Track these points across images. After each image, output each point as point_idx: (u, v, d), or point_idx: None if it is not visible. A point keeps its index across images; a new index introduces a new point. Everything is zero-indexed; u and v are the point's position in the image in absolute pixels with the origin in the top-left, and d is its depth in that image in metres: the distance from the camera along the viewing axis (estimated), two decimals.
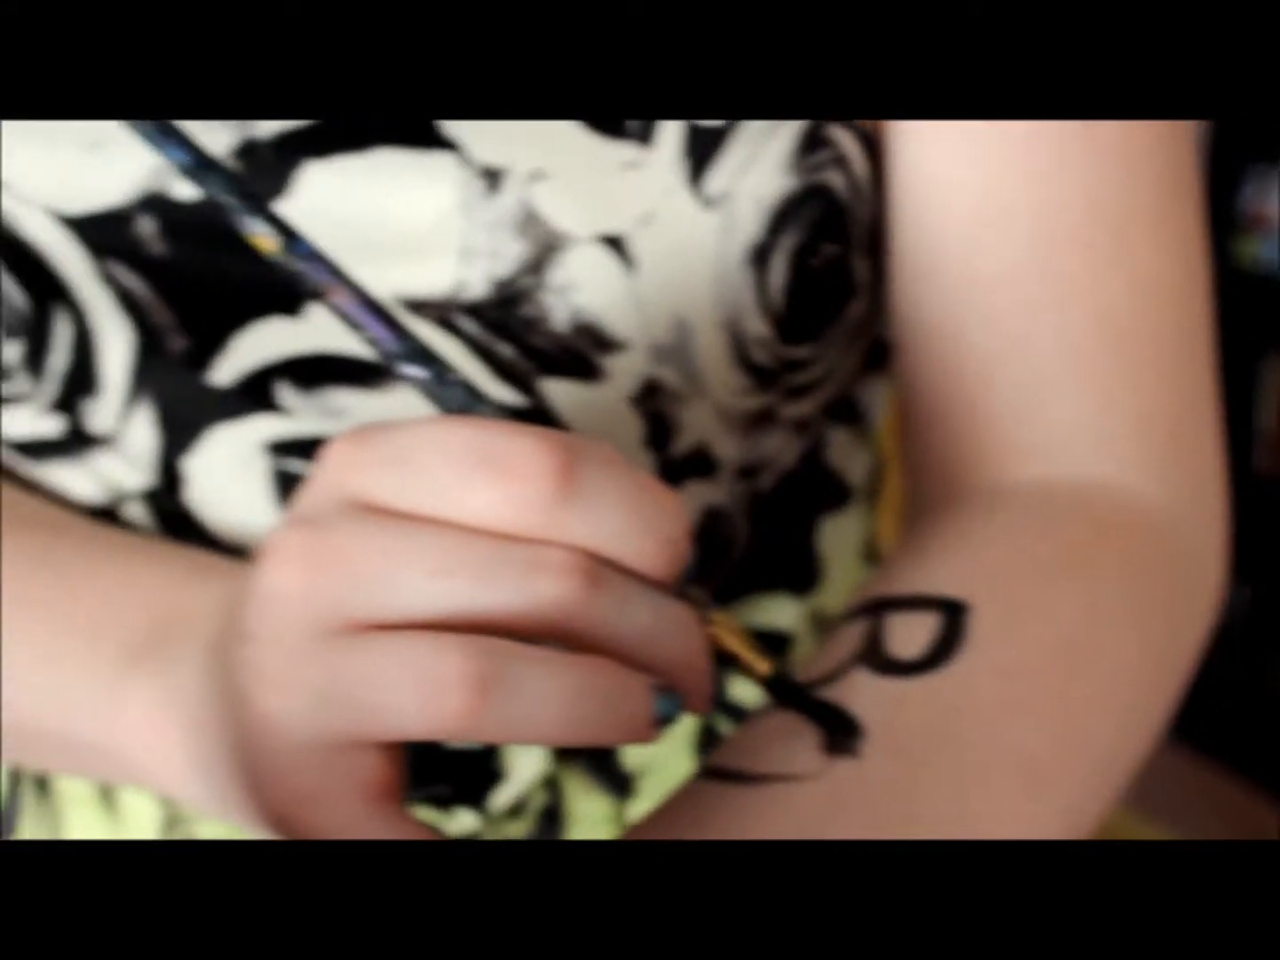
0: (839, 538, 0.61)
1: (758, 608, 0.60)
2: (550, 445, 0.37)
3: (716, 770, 0.44)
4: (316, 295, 0.39)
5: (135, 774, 0.47)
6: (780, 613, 0.60)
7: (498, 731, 0.36)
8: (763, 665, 0.42)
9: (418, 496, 0.37)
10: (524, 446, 0.37)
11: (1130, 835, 1.42)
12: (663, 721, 0.38)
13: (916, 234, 0.51)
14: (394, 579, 0.37)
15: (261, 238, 0.39)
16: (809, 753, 0.43)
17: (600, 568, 0.37)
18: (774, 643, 0.60)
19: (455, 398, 0.39)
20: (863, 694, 0.44)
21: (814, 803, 0.42)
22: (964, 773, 0.43)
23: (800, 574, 0.61)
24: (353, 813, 0.39)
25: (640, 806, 0.57)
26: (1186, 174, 0.51)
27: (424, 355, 0.39)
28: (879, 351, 0.60)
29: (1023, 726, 0.45)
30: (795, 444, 0.57)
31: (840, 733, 0.43)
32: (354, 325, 0.39)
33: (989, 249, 0.50)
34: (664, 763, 0.58)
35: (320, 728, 0.38)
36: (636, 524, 0.37)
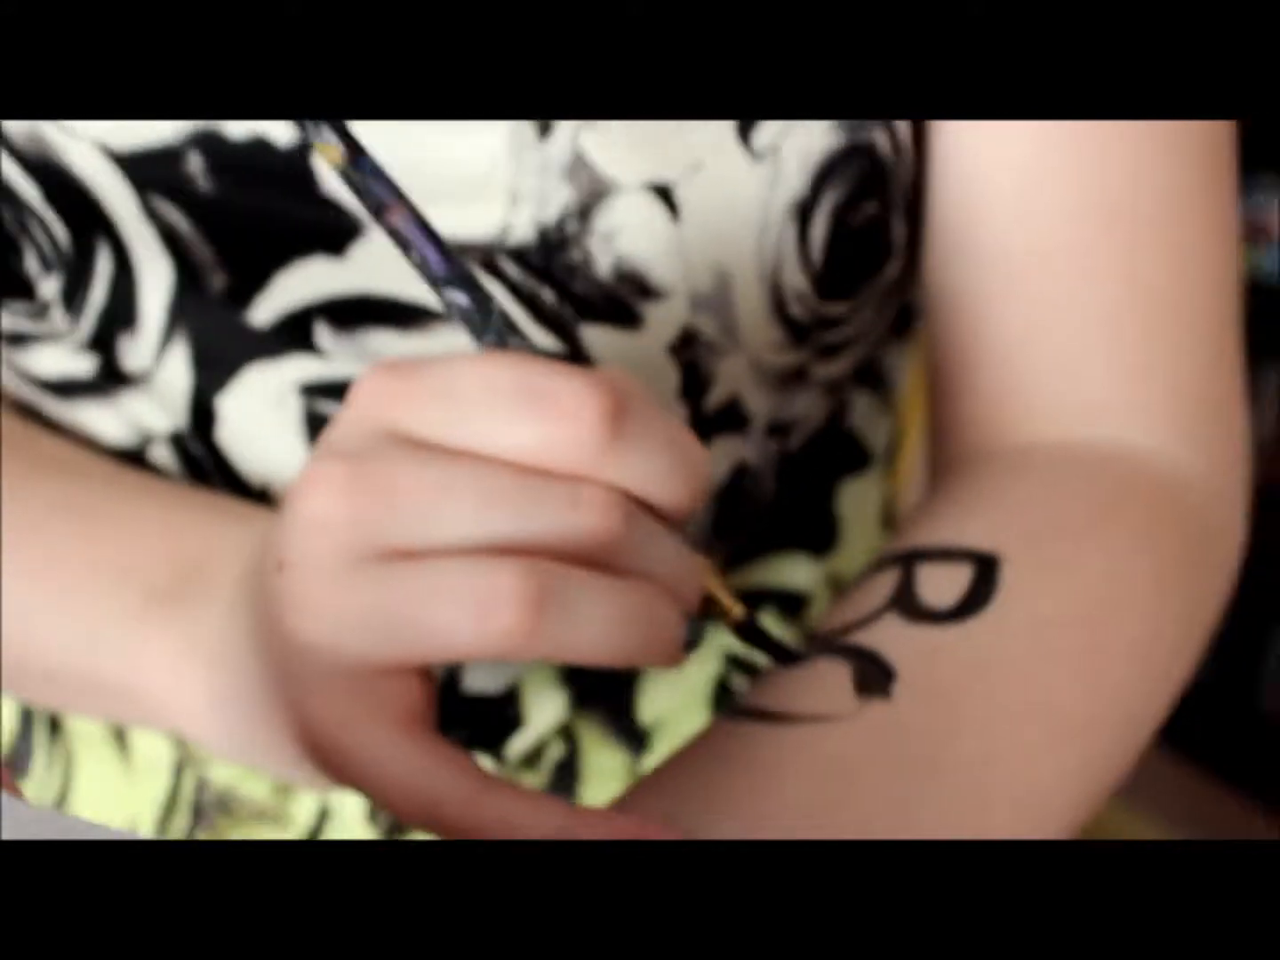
0: (858, 501, 0.62)
1: (775, 567, 0.60)
2: (601, 387, 0.37)
3: (746, 710, 0.44)
4: (377, 212, 0.39)
5: (156, 715, 0.47)
6: (797, 573, 0.60)
7: (549, 649, 0.37)
8: (738, 609, 0.43)
9: (461, 430, 0.37)
10: (574, 386, 0.37)
11: (1123, 832, 1.43)
12: (688, 646, 0.40)
13: (955, 201, 0.52)
14: (439, 509, 0.37)
15: (329, 147, 0.39)
16: (841, 694, 0.44)
17: (634, 508, 0.38)
18: (790, 603, 0.61)
19: (494, 328, 0.39)
20: (895, 640, 0.45)
21: (844, 743, 0.43)
22: (993, 720, 0.44)
23: (819, 535, 0.61)
24: (388, 736, 0.40)
25: (654, 760, 0.57)
26: (1226, 151, 0.52)
27: (469, 282, 0.39)
28: (905, 317, 0.61)
29: (1052, 677, 0.45)
30: (822, 405, 0.57)
31: (875, 669, 0.44)
32: (404, 247, 0.39)
33: (1028, 220, 0.50)
34: (679, 717, 0.58)
35: (363, 651, 0.38)
36: (673, 471, 0.38)
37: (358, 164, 0.39)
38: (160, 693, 0.46)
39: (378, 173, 0.39)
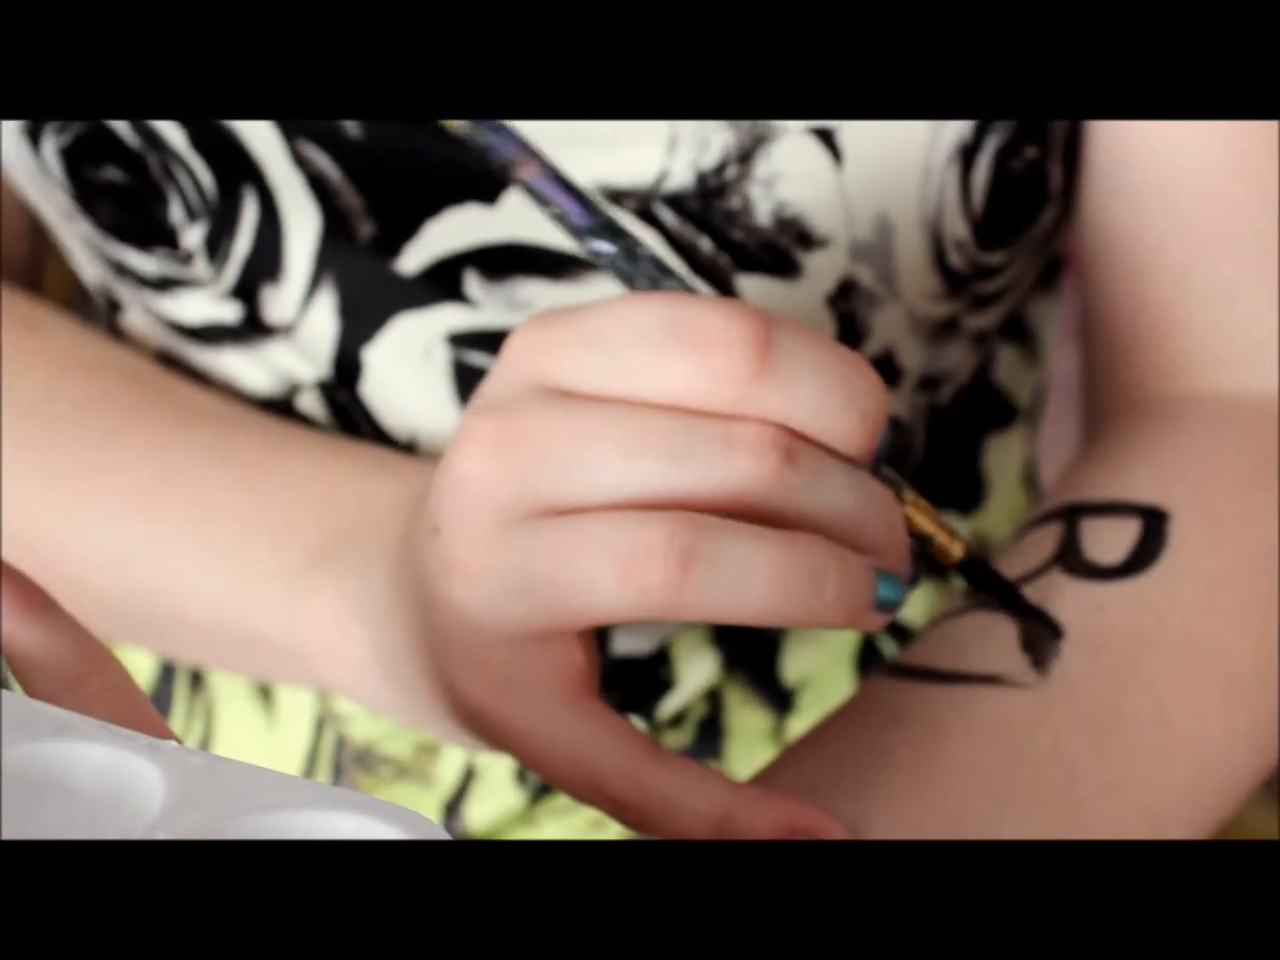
0: (1002, 458, 0.60)
1: None
2: (747, 316, 0.36)
3: (909, 668, 0.43)
4: (505, 171, 0.38)
5: (313, 671, 0.46)
6: None
7: (702, 605, 0.35)
8: (958, 548, 0.41)
9: (608, 376, 0.36)
10: (718, 318, 0.36)
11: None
12: (886, 606, 0.37)
13: (1113, 135, 0.50)
14: (586, 461, 0.36)
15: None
16: (1008, 652, 0.43)
17: (797, 443, 0.36)
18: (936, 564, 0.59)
19: (644, 273, 0.38)
20: (1062, 596, 0.44)
21: (1014, 702, 0.42)
22: (1165, 678, 0.43)
23: (965, 493, 0.60)
24: (549, 702, 0.39)
25: (799, 721, 0.56)
26: None
27: (612, 229, 0.38)
28: (1052, 269, 0.60)
29: (1224, 633, 0.44)
30: (972, 358, 0.56)
31: (1042, 627, 0.43)
32: (542, 201, 0.38)
33: (1186, 149, 0.49)
34: (824, 677, 0.57)
35: (517, 615, 0.37)
36: (835, 398, 0.36)
37: (481, 122, 0.38)
38: (323, 649, 0.45)
39: (503, 131, 0.38)
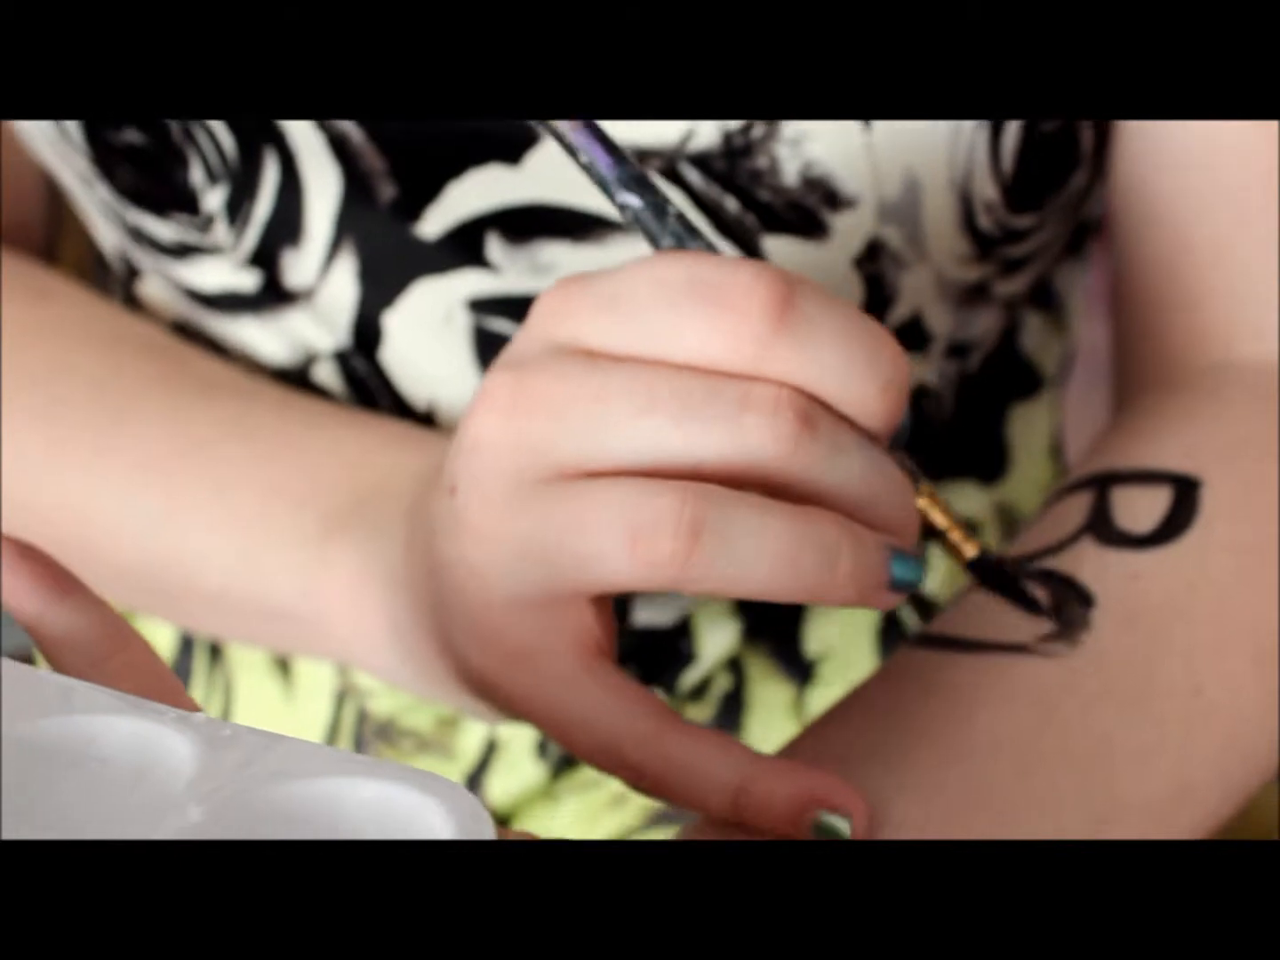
0: (1028, 427, 0.60)
1: (944, 493, 0.59)
2: (769, 276, 0.35)
3: (938, 637, 0.43)
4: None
5: (329, 642, 0.46)
6: (966, 500, 0.58)
7: (709, 579, 0.35)
8: (970, 547, 0.40)
9: (629, 335, 0.36)
10: (741, 277, 0.35)
11: None
12: (900, 586, 0.37)
13: None
14: (599, 419, 0.35)
15: None
16: (1039, 621, 0.42)
17: (814, 408, 0.35)
18: None
19: (670, 230, 0.37)
20: (1093, 565, 0.43)
21: (1044, 671, 0.42)
22: (1197, 646, 0.43)
23: (989, 462, 0.59)
24: (566, 669, 0.38)
25: (820, 693, 0.55)
26: None
27: (641, 182, 0.37)
28: (1080, 235, 0.59)
29: (1257, 603, 0.44)
30: (998, 325, 0.55)
31: (1069, 602, 0.42)
32: (571, 151, 0.37)
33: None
34: (845, 649, 0.57)
35: (528, 580, 0.37)
36: (856, 364, 0.36)
37: None
38: (337, 618, 0.45)
39: None
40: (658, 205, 0.37)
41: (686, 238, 0.37)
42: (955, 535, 0.40)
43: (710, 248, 0.37)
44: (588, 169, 0.37)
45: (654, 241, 0.38)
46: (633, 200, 0.37)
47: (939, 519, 0.40)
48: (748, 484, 0.36)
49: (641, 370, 0.35)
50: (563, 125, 0.37)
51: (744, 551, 0.35)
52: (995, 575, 0.42)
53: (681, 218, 0.37)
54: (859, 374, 0.36)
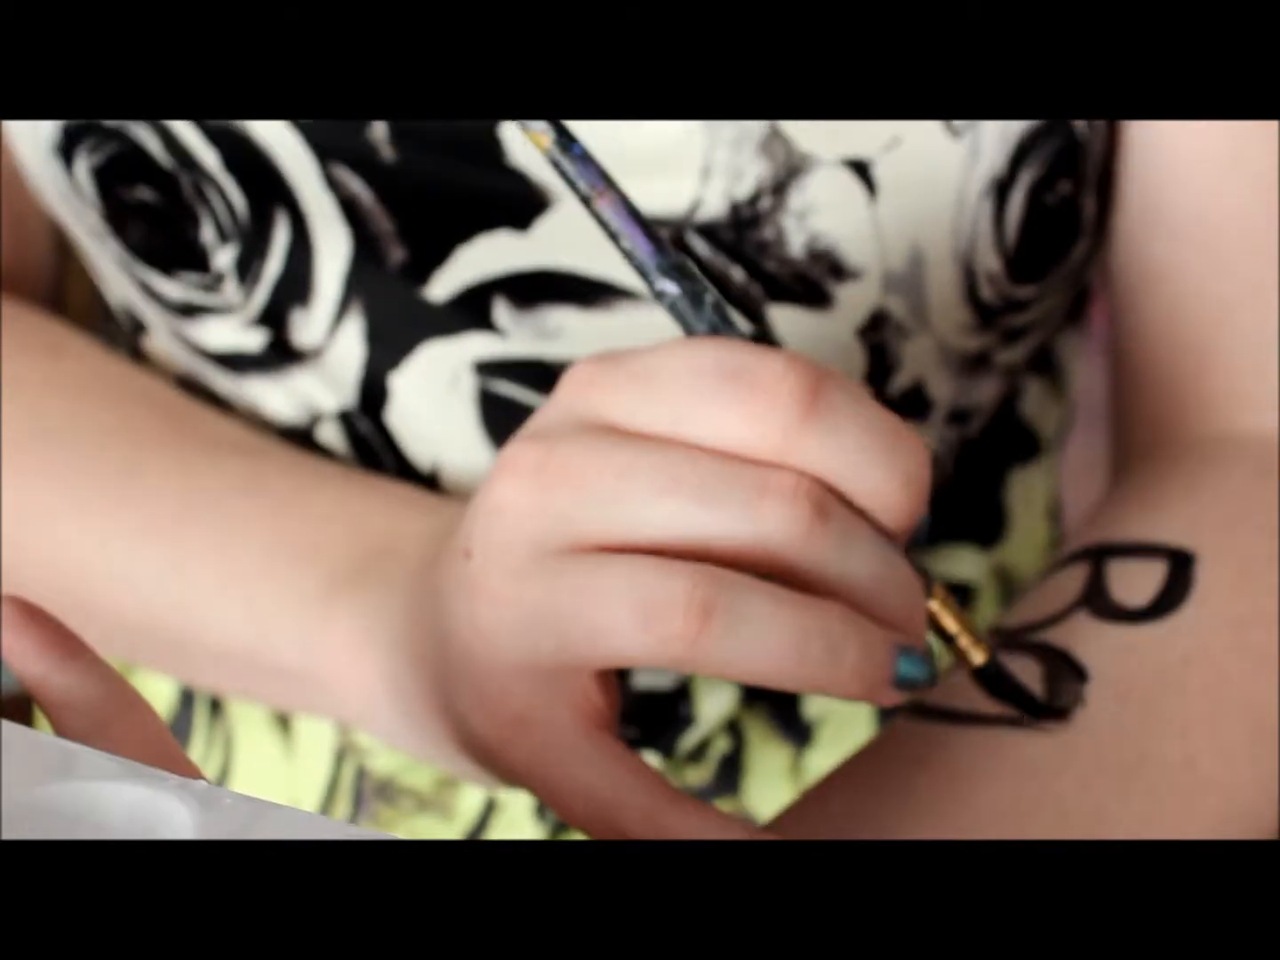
0: (1026, 491, 0.60)
1: (942, 558, 0.59)
2: (800, 365, 0.36)
3: (934, 709, 0.43)
4: (586, 200, 0.38)
5: (329, 701, 0.46)
6: (964, 564, 0.59)
7: (716, 661, 0.35)
8: (979, 654, 0.40)
9: (657, 414, 0.36)
10: (773, 365, 0.36)
11: None
12: (905, 684, 0.37)
13: (1148, 173, 0.50)
14: (621, 495, 0.36)
15: (537, 134, 0.37)
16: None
17: (829, 499, 0.36)
18: (956, 594, 0.59)
19: (706, 320, 0.38)
20: (1088, 639, 0.44)
21: (1039, 746, 0.42)
22: (1191, 722, 0.43)
23: (986, 525, 0.59)
24: (567, 738, 0.39)
25: (818, 756, 0.56)
26: None
27: (681, 271, 0.38)
28: (1078, 302, 0.59)
29: (1250, 678, 0.44)
30: (1000, 391, 0.56)
31: (1066, 671, 0.43)
32: (613, 235, 0.38)
33: (1223, 190, 0.49)
34: (844, 712, 0.57)
35: (537, 646, 0.37)
36: (879, 458, 0.36)
37: (569, 149, 0.37)
38: (336, 677, 0.45)
39: (587, 159, 0.37)
40: (695, 294, 0.38)
41: (722, 327, 0.38)
42: (965, 641, 0.40)
43: (745, 337, 0.38)
44: (628, 255, 0.38)
45: (689, 329, 0.38)
46: (670, 288, 0.38)
47: (949, 624, 0.40)
48: (760, 569, 0.36)
49: (667, 450, 0.36)
50: (606, 207, 0.37)
51: (752, 638, 0.35)
52: (1004, 686, 0.42)
53: (718, 306, 0.38)
54: (881, 468, 0.36)
